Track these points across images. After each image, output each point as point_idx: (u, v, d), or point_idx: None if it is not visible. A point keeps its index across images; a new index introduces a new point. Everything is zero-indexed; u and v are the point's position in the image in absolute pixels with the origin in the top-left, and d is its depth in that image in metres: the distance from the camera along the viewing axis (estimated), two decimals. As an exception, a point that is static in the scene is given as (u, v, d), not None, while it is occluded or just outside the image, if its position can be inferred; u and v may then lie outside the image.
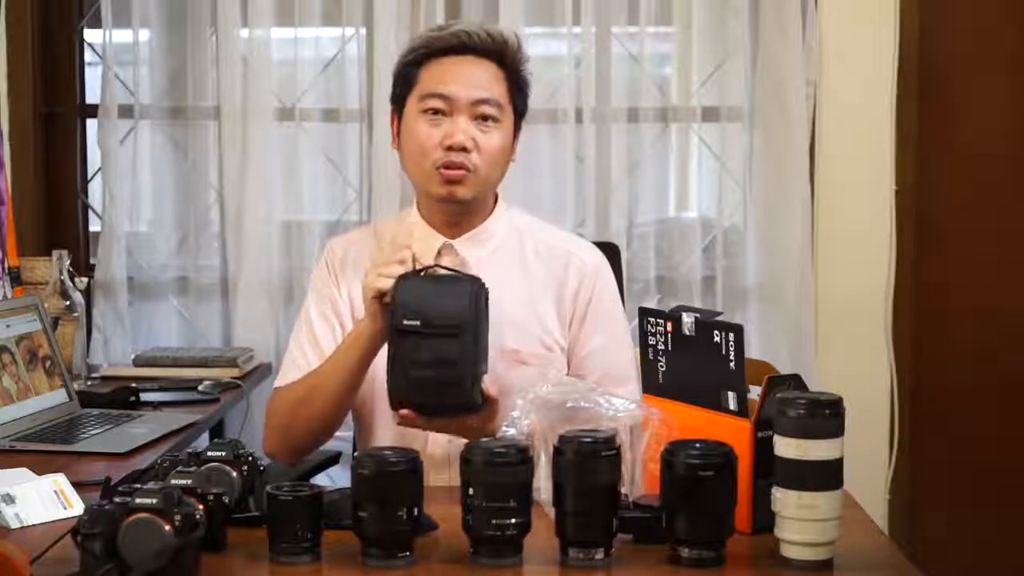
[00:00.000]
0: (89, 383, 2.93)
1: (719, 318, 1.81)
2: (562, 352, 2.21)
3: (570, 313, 2.21)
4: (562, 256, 2.24)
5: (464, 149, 2.13)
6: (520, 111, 2.23)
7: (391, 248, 2.07)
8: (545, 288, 2.21)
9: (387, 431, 2.16)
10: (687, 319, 1.80)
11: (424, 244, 2.22)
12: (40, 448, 2.30)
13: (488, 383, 1.97)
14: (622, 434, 1.71)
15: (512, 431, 1.79)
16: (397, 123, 2.22)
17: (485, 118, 2.15)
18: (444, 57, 2.16)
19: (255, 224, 3.35)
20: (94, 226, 3.54)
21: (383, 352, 2.05)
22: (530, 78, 2.25)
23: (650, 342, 1.87)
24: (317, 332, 2.21)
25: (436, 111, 2.15)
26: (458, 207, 2.19)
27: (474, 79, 2.15)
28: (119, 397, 2.71)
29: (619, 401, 1.78)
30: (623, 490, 1.67)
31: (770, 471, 1.63)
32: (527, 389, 1.85)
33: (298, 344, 2.23)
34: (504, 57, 2.19)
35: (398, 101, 2.22)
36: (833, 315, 3.40)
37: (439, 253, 2.21)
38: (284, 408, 2.17)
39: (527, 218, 2.32)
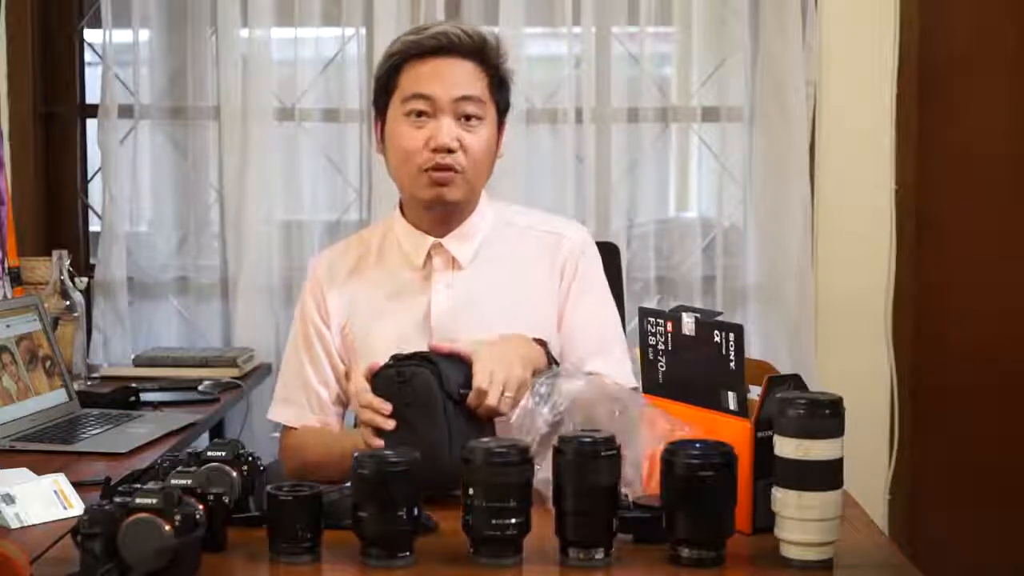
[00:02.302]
0: (89, 383, 2.94)
1: (719, 318, 1.81)
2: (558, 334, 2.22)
3: (558, 290, 2.23)
4: (551, 240, 2.25)
5: (449, 150, 2.13)
6: (503, 108, 2.23)
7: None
8: (536, 274, 2.22)
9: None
10: (687, 319, 1.80)
11: (413, 247, 2.23)
12: (40, 448, 2.30)
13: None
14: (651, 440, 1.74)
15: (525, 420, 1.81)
16: (380, 128, 2.23)
17: (468, 117, 2.16)
18: (424, 59, 2.16)
19: (255, 224, 3.35)
20: (94, 226, 3.54)
21: (379, 348, 2.09)
22: (512, 74, 2.24)
23: (650, 342, 1.87)
24: (309, 374, 2.25)
25: (419, 113, 2.15)
26: (446, 208, 2.19)
27: (455, 78, 2.15)
28: (119, 397, 2.71)
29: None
30: (623, 490, 1.68)
31: (770, 471, 1.63)
32: (545, 374, 1.89)
33: (297, 374, 2.26)
34: (484, 56, 2.18)
35: (380, 106, 2.22)
36: (833, 315, 3.40)
37: (429, 254, 2.22)
38: (299, 464, 2.18)
39: (510, 207, 2.34)
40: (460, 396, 1.88)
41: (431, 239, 2.22)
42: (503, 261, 2.23)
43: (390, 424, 1.88)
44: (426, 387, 1.88)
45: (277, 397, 2.29)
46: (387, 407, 1.89)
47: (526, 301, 2.20)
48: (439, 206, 2.19)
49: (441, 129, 2.13)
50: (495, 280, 2.20)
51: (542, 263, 2.23)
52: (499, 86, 2.21)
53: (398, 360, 1.94)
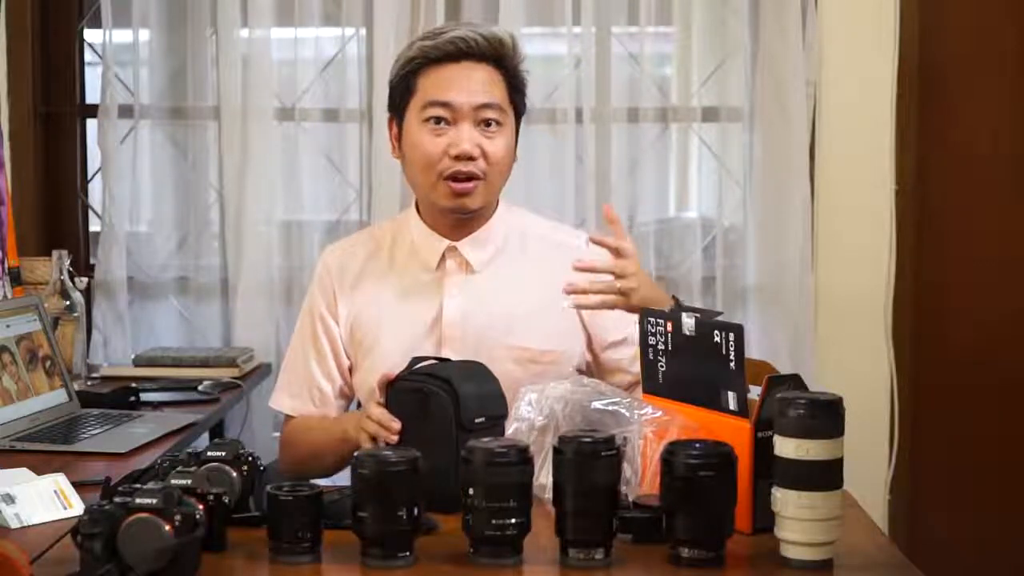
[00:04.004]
0: (89, 383, 2.93)
1: (719, 318, 1.81)
2: (578, 345, 2.21)
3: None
4: (566, 251, 2.23)
5: (471, 158, 2.13)
6: (519, 111, 2.23)
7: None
8: (551, 284, 2.21)
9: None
10: (687, 319, 1.80)
11: (427, 248, 2.22)
12: (40, 448, 2.30)
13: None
14: (647, 436, 1.73)
15: (519, 426, 1.80)
16: (397, 132, 2.22)
17: (488, 123, 2.15)
18: (441, 65, 2.15)
19: (255, 224, 3.35)
20: (94, 226, 3.54)
21: (388, 347, 2.11)
22: (527, 76, 2.25)
23: (650, 342, 1.87)
24: (313, 368, 2.25)
25: (439, 119, 2.14)
26: (465, 214, 2.19)
27: (474, 84, 2.15)
28: (119, 397, 2.71)
29: (647, 408, 1.80)
30: (623, 489, 1.68)
31: (770, 471, 1.63)
32: (540, 383, 1.88)
33: (301, 367, 2.27)
34: (501, 59, 2.18)
35: (397, 111, 2.21)
36: (833, 315, 3.40)
37: (443, 257, 2.21)
38: (294, 452, 2.22)
39: (527, 215, 2.33)
40: (474, 426, 1.83)
41: (446, 242, 2.21)
42: (516, 268, 2.22)
43: (394, 440, 1.87)
44: (442, 411, 1.84)
45: (280, 386, 2.29)
46: (396, 424, 1.88)
47: (538, 310, 2.19)
48: (459, 213, 2.19)
49: (462, 137, 2.13)
50: (507, 287, 2.20)
51: (556, 275, 2.21)
52: (516, 90, 2.20)
53: (417, 370, 1.92)
